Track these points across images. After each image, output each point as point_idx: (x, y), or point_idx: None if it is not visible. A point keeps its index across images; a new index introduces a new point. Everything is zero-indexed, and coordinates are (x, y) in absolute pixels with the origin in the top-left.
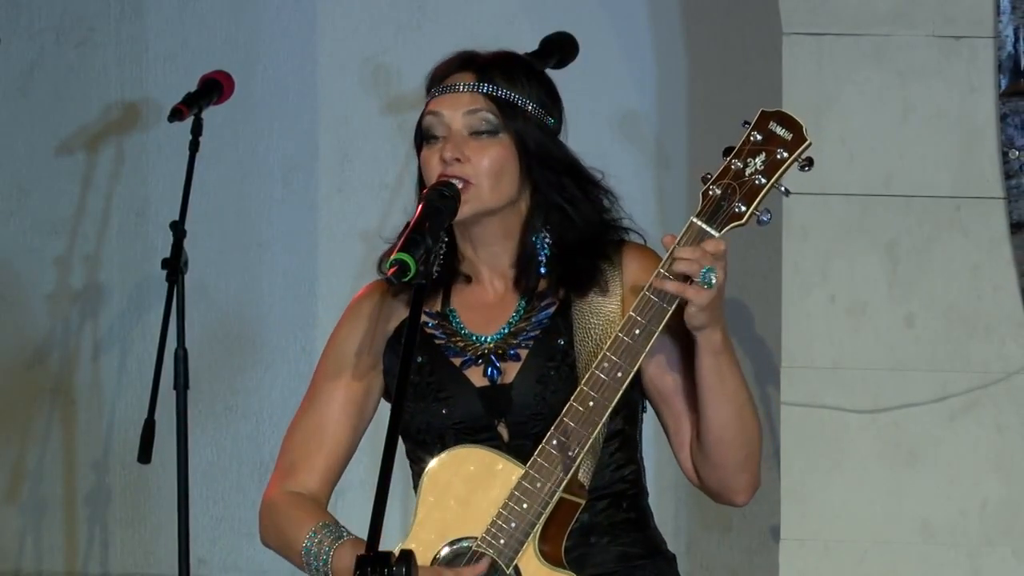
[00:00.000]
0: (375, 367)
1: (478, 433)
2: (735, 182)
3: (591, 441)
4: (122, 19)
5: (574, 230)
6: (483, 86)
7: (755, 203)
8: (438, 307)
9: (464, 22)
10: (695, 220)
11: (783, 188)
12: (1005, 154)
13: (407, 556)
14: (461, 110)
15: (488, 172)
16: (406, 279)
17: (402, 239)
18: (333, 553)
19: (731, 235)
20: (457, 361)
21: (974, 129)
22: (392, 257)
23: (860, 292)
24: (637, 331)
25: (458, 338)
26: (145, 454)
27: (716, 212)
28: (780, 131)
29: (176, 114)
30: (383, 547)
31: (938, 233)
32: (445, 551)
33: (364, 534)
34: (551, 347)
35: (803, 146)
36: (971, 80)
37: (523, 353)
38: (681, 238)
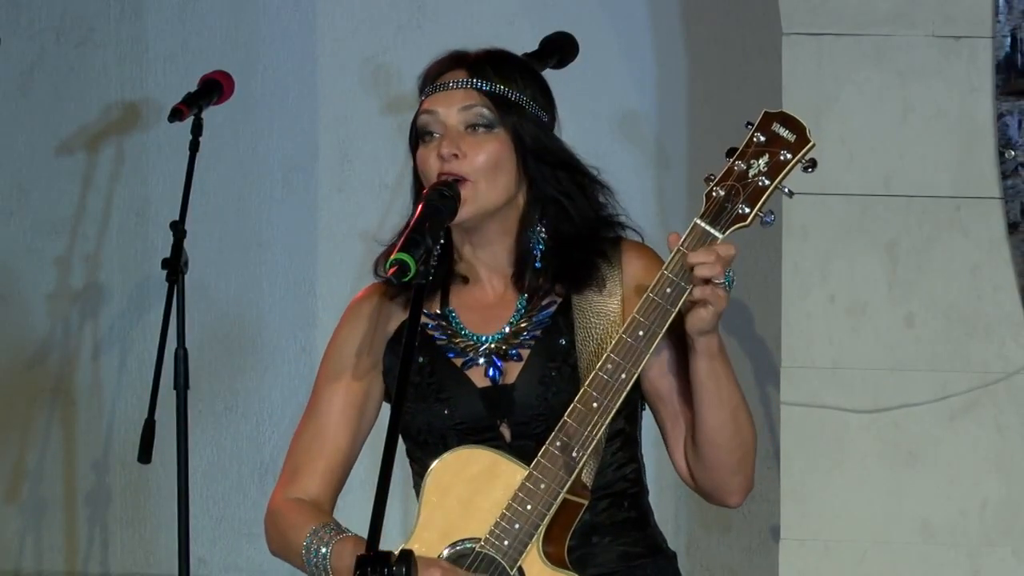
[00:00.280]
0: (375, 369)
1: (480, 434)
2: (738, 183)
3: (595, 443)
4: (122, 19)
5: (570, 224)
6: (476, 82)
7: (759, 204)
8: (437, 308)
9: (464, 22)
10: (699, 221)
11: (786, 189)
12: (1002, 154)
13: (407, 556)
14: (456, 107)
15: (485, 167)
16: (406, 279)
17: (402, 239)
18: (332, 549)
19: (731, 235)
20: (458, 362)
21: (974, 129)
22: (392, 257)
23: (860, 292)
24: (641, 332)
25: (459, 339)
26: (145, 454)
27: (720, 213)
28: (783, 132)
29: (176, 114)
30: (383, 547)
31: (938, 233)
32: (447, 552)
33: (364, 534)
34: (552, 347)
35: (807, 147)
36: (971, 80)
37: (524, 353)
38: (685, 239)
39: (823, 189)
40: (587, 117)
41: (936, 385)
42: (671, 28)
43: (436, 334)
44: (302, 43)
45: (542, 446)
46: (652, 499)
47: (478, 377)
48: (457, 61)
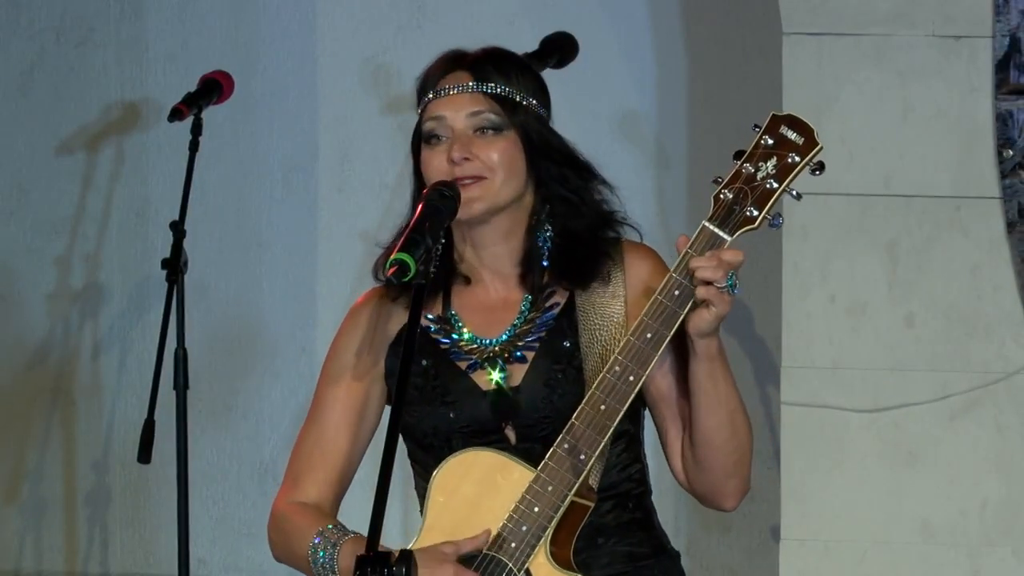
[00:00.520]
0: (376, 373)
1: (485, 436)
2: (746, 186)
3: (602, 445)
4: (122, 19)
5: (580, 219)
6: (481, 85)
7: (767, 207)
8: (440, 311)
9: (464, 22)
10: (707, 224)
11: (794, 192)
12: (1000, 153)
13: (407, 556)
14: (463, 112)
15: (501, 164)
16: (406, 279)
17: (402, 239)
18: (339, 549)
19: (739, 238)
20: (463, 364)
21: (974, 129)
22: (392, 257)
23: (860, 292)
24: (649, 335)
25: (463, 342)
26: (145, 454)
27: (728, 216)
28: (791, 135)
29: (176, 114)
30: (383, 547)
31: (938, 233)
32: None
33: (365, 534)
34: (557, 349)
35: (815, 150)
36: (971, 80)
37: (529, 355)
38: (693, 242)
39: (823, 189)
40: (587, 117)
41: (936, 385)
42: (671, 28)
43: (440, 337)
44: (302, 43)
45: (548, 448)
46: (653, 499)
47: (483, 380)
48: (457, 63)
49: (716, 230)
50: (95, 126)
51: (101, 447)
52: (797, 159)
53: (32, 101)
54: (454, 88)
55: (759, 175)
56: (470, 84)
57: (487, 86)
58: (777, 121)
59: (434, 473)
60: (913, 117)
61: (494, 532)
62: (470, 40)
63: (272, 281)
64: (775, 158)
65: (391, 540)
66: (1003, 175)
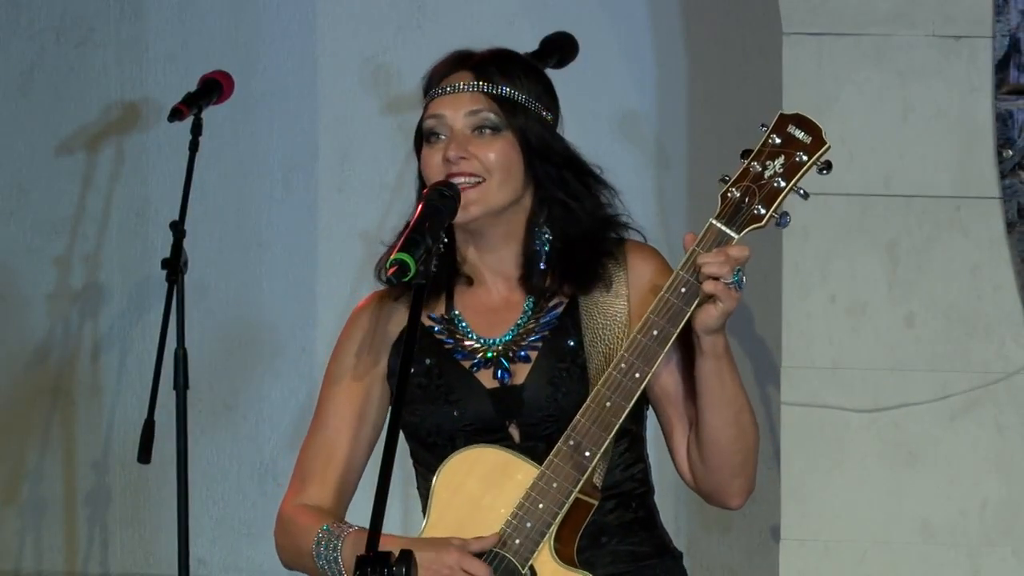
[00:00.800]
0: (377, 375)
1: (489, 435)
2: (754, 184)
3: (607, 442)
4: (122, 19)
5: (577, 225)
6: (483, 85)
7: (774, 206)
8: (443, 311)
9: (464, 22)
10: (714, 222)
11: (801, 191)
12: (999, 153)
13: (407, 556)
14: (463, 110)
15: (496, 165)
16: (406, 279)
17: (402, 239)
18: (343, 541)
19: (746, 236)
20: (466, 364)
21: (974, 129)
22: (392, 257)
23: (860, 292)
24: (655, 332)
25: (466, 341)
26: (145, 454)
27: (735, 214)
28: (799, 134)
29: (176, 114)
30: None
31: (938, 233)
32: None
33: None
34: (561, 348)
35: (822, 149)
36: (971, 80)
37: (533, 354)
38: (700, 240)
39: (823, 189)
40: (587, 117)
41: (936, 385)
42: (671, 28)
43: (443, 337)
44: (302, 43)
45: (551, 447)
46: (654, 498)
47: (487, 379)
48: (462, 62)
49: (723, 228)
50: (95, 126)
51: (101, 447)
52: (805, 158)
53: (32, 101)
54: (456, 87)
55: (766, 173)
56: (471, 84)
57: (488, 86)
58: (785, 120)
59: (438, 469)
60: (913, 117)
61: (498, 528)
62: (470, 40)
63: (272, 281)
64: (783, 157)
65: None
66: (1003, 175)
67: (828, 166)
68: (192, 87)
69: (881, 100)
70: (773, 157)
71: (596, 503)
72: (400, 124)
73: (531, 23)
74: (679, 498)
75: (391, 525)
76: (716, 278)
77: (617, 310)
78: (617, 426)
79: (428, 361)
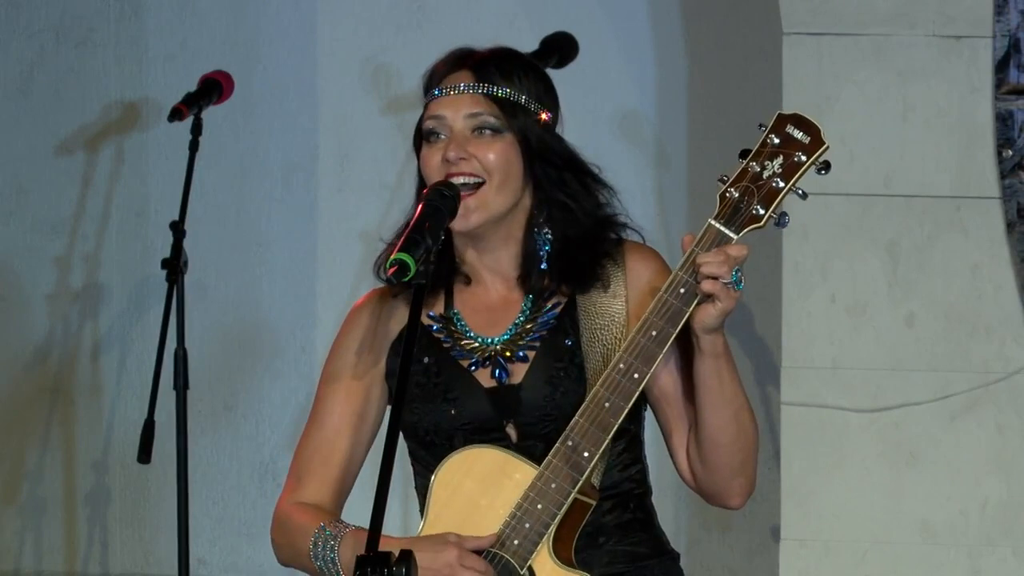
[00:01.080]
0: (377, 374)
1: (487, 434)
2: (753, 184)
3: (606, 443)
4: (122, 19)
5: (577, 225)
6: (482, 86)
7: (773, 206)
8: (441, 310)
9: (464, 22)
10: (713, 222)
11: (800, 191)
12: (999, 153)
13: (407, 556)
14: (463, 112)
15: (496, 166)
16: (406, 279)
17: (402, 239)
18: (340, 541)
19: (745, 236)
20: (465, 362)
21: (974, 129)
22: (392, 257)
23: (860, 292)
24: (654, 332)
25: (464, 340)
26: (145, 454)
27: (734, 214)
28: (797, 134)
29: (176, 114)
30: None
31: (938, 233)
32: None
33: None
34: (558, 347)
35: (821, 149)
36: (971, 80)
37: (530, 354)
38: (699, 240)
39: (823, 189)
40: (587, 117)
41: (936, 385)
42: (671, 28)
43: (442, 336)
44: (302, 43)
45: (549, 446)
46: (653, 499)
47: (485, 378)
48: (462, 61)
49: (722, 228)
50: (95, 126)
51: (101, 447)
52: (804, 158)
53: (32, 101)
54: (455, 88)
55: (765, 174)
56: (471, 85)
57: (488, 88)
58: (783, 120)
59: (436, 469)
60: (913, 117)
61: (496, 528)
62: (470, 40)
63: (272, 281)
64: (781, 157)
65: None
66: (1003, 175)
67: (827, 166)
68: (192, 87)
69: (881, 100)
70: (772, 157)
71: (594, 503)
72: (400, 124)
73: (531, 23)
74: (679, 498)
75: (391, 525)
76: (715, 278)
77: (615, 310)
78: (616, 427)
79: (426, 360)
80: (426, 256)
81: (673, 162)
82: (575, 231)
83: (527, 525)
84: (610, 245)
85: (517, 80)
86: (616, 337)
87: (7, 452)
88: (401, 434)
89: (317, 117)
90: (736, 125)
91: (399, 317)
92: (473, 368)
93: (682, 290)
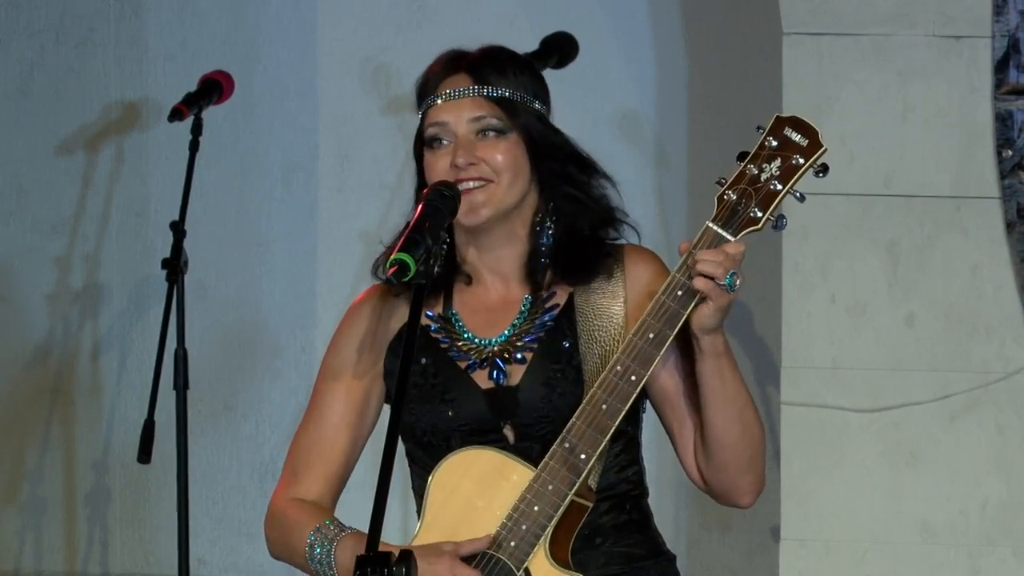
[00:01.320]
0: (375, 371)
1: (484, 435)
2: (751, 187)
3: (603, 445)
4: (122, 19)
5: (587, 215)
6: (482, 88)
7: (771, 208)
8: (440, 310)
9: (464, 22)
10: (711, 225)
11: (798, 194)
12: (999, 153)
13: (407, 556)
14: (465, 116)
15: (505, 166)
16: (406, 279)
17: (402, 239)
18: (336, 545)
19: (743, 239)
20: (462, 364)
21: (974, 129)
22: (392, 257)
23: (860, 292)
24: (651, 335)
25: (462, 341)
26: (145, 454)
27: (732, 217)
28: (795, 137)
29: (176, 114)
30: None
31: (938, 233)
32: None
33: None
34: (556, 349)
35: (819, 152)
36: (971, 80)
37: (528, 355)
38: (697, 243)
39: (823, 189)
40: (587, 117)
41: (936, 385)
42: (671, 28)
43: (440, 336)
44: (302, 43)
45: (546, 448)
46: (652, 499)
47: (482, 379)
48: (455, 65)
49: (720, 231)
50: (95, 126)
51: (101, 447)
52: (801, 161)
53: (32, 101)
54: (455, 93)
55: (763, 176)
56: (470, 88)
57: (487, 90)
58: (781, 123)
59: (433, 471)
60: (913, 117)
61: (493, 529)
62: (470, 40)
63: (272, 281)
64: (779, 159)
65: (391, 540)
66: (1002, 175)
67: (824, 169)
68: (192, 87)
69: (881, 100)
70: (769, 160)
71: (591, 505)
72: (400, 124)
73: (531, 23)
74: (679, 498)
75: (391, 525)
76: (711, 277)
77: (613, 312)
78: (613, 429)
79: (424, 360)
80: (426, 256)
81: (673, 162)
82: (583, 222)
83: (524, 527)
84: (612, 247)
85: (513, 78)
86: (614, 339)
87: (7, 452)
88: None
89: (317, 117)
90: (736, 125)
91: (399, 316)
92: (471, 369)
93: (679, 292)
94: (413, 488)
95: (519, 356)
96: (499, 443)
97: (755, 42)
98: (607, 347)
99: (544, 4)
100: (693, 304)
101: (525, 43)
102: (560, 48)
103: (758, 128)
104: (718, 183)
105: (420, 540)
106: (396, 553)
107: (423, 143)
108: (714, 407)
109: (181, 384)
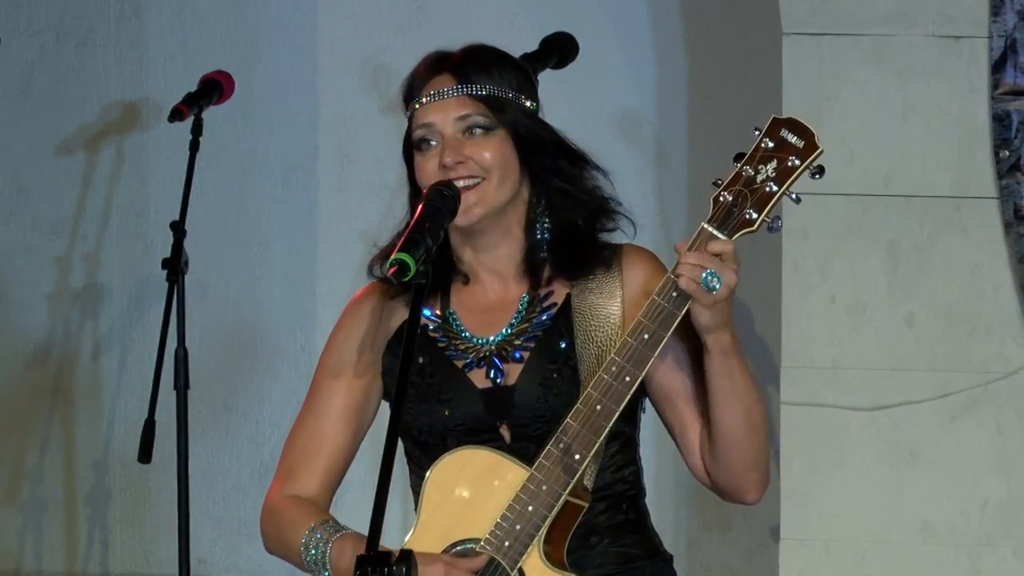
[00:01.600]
0: (374, 369)
1: (480, 435)
2: (746, 188)
3: (597, 445)
4: (122, 19)
5: (580, 208)
6: (466, 87)
7: (766, 210)
8: (438, 309)
9: (464, 22)
10: (706, 226)
11: (794, 195)
12: (996, 154)
13: (407, 556)
14: (451, 116)
15: (493, 164)
16: (406, 279)
17: (402, 239)
18: (332, 545)
19: (738, 241)
20: (459, 363)
21: (974, 129)
22: (392, 257)
23: (860, 292)
24: (646, 335)
25: (459, 341)
26: (145, 454)
27: (727, 218)
28: (792, 138)
29: (176, 114)
30: (382, 547)
31: (938, 233)
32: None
33: (364, 533)
34: (553, 349)
35: (815, 154)
36: (971, 80)
37: (525, 355)
38: (692, 243)
39: (823, 189)
40: (587, 117)
41: (936, 385)
42: (671, 28)
43: (437, 336)
44: (302, 43)
45: (542, 448)
46: (651, 499)
47: (479, 379)
48: (439, 66)
49: (715, 232)
50: (95, 126)
51: (101, 447)
52: (797, 162)
53: (32, 101)
54: (439, 94)
55: (759, 178)
56: (454, 88)
57: (471, 88)
58: (778, 124)
59: (429, 470)
60: (913, 117)
61: (487, 529)
62: (470, 40)
63: (272, 281)
64: (775, 161)
65: (391, 540)
66: (1000, 176)
67: (821, 171)
68: (192, 87)
69: (881, 100)
70: (766, 161)
71: (586, 506)
72: (400, 124)
73: (531, 23)
74: (679, 498)
75: (391, 525)
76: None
77: (610, 312)
78: (607, 429)
79: (421, 360)
80: (426, 256)
81: (673, 162)
82: (576, 215)
83: (518, 527)
84: (610, 247)
85: (497, 74)
86: (610, 338)
87: (7, 452)
88: None
89: (317, 117)
90: (736, 125)
91: (399, 315)
92: (468, 369)
93: (674, 294)
94: (411, 486)
95: (516, 355)
96: (495, 443)
97: (755, 42)
98: (603, 347)
99: (544, 4)
100: (687, 306)
101: (525, 43)
102: (560, 48)
103: (755, 129)
104: (714, 184)
105: (415, 539)
106: (396, 553)
107: (412, 146)
108: (722, 405)
109: (181, 384)
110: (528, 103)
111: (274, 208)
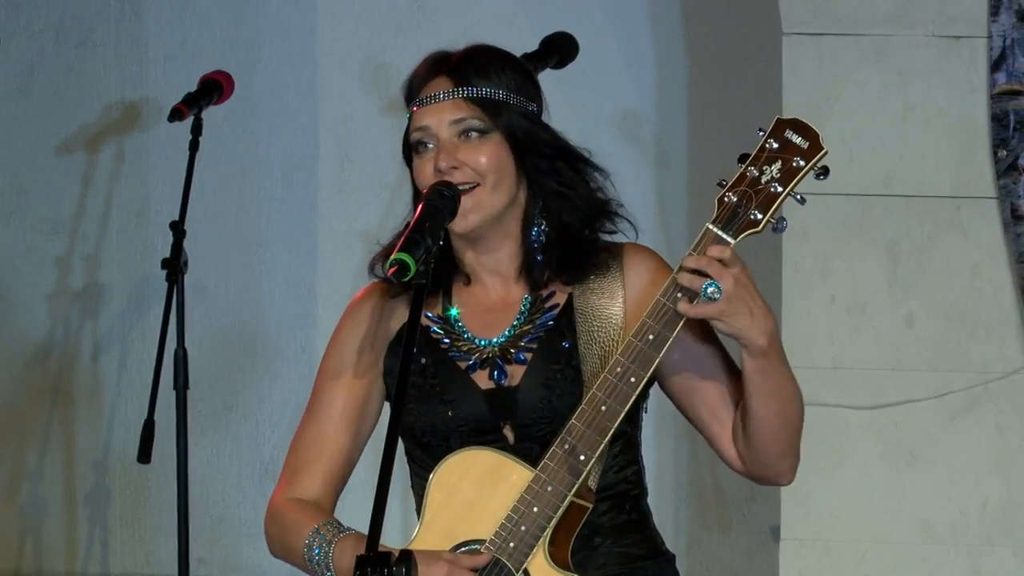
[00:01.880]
0: (375, 370)
1: (483, 436)
2: (751, 189)
3: (602, 446)
4: (122, 19)
5: (575, 212)
6: (462, 90)
7: (771, 211)
8: (440, 310)
9: (464, 22)
10: (711, 227)
11: (798, 196)
12: (995, 154)
13: (407, 556)
14: (446, 119)
15: (488, 168)
16: (406, 279)
17: (402, 239)
18: (334, 546)
19: (742, 241)
20: (462, 364)
21: (974, 129)
22: (392, 257)
23: (860, 292)
24: (651, 336)
25: (462, 342)
26: (145, 454)
27: (732, 219)
28: (796, 139)
29: (176, 114)
30: (382, 547)
31: (938, 233)
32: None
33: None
34: (556, 350)
35: (819, 155)
36: (971, 80)
37: (528, 356)
38: (696, 245)
39: (823, 189)
40: (587, 117)
41: (936, 385)
42: (671, 28)
43: (440, 337)
44: (302, 43)
45: (546, 449)
46: (651, 499)
47: (482, 380)
48: (438, 67)
49: (720, 233)
50: (95, 126)
51: (101, 447)
52: (802, 163)
53: (32, 101)
54: (435, 96)
55: (763, 179)
56: (450, 91)
57: (467, 90)
58: (782, 125)
59: (433, 471)
60: (913, 117)
61: (492, 530)
62: (470, 40)
63: (272, 281)
64: (780, 162)
65: (391, 540)
66: (998, 175)
67: (825, 171)
68: (192, 87)
69: (881, 100)
70: (770, 162)
71: (590, 506)
72: (400, 124)
73: (531, 23)
74: (679, 498)
75: (391, 525)
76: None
77: (612, 312)
78: (612, 430)
79: (424, 360)
80: (426, 256)
81: (673, 162)
82: (572, 218)
83: (523, 528)
84: (611, 245)
85: (495, 77)
86: (613, 339)
87: (7, 452)
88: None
89: (317, 117)
90: (736, 125)
91: (399, 316)
92: (471, 370)
93: (679, 294)
94: (412, 487)
95: (520, 356)
96: (499, 444)
97: (755, 42)
98: (606, 348)
99: (544, 4)
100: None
101: (525, 43)
102: (560, 48)
103: (759, 130)
104: (719, 185)
105: (419, 540)
106: (396, 553)
107: (411, 148)
108: (756, 401)
109: (181, 384)
110: (528, 105)
111: (274, 208)
